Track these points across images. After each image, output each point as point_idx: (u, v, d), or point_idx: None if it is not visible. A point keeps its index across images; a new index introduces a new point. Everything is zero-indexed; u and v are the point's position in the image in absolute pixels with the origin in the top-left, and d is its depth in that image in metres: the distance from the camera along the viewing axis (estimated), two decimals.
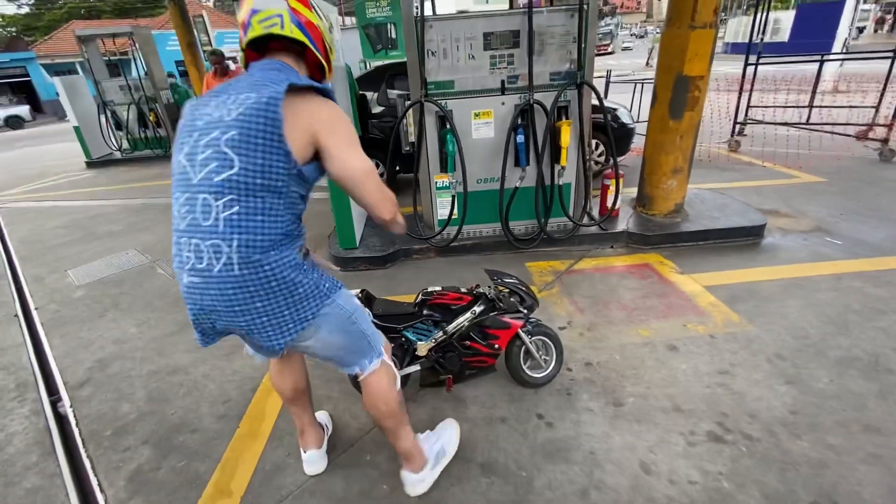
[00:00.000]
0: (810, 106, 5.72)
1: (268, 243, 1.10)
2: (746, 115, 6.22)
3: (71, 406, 2.18)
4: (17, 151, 11.94)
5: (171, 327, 2.80)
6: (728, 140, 6.06)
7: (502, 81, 3.01)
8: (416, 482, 1.61)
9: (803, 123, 5.79)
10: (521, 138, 3.01)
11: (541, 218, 3.27)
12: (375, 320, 1.55)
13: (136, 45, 7.90)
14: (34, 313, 3.10)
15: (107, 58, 8.73)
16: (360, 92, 4.67)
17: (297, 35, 1.19)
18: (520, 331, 1.90)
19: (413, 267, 3.37)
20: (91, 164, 8.56)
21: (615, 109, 4.93)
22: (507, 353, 1.98)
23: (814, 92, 5.84)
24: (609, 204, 3.61)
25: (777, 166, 5.22)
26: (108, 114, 8.44)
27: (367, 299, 1.88)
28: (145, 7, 29.53)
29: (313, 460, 1.70)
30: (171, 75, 8.95)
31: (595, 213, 3.64)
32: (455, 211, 3.26)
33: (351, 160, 1.16)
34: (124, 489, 1.72)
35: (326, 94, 1.20)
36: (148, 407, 2.14)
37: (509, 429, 1.87)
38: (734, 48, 23.29)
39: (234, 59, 8.74)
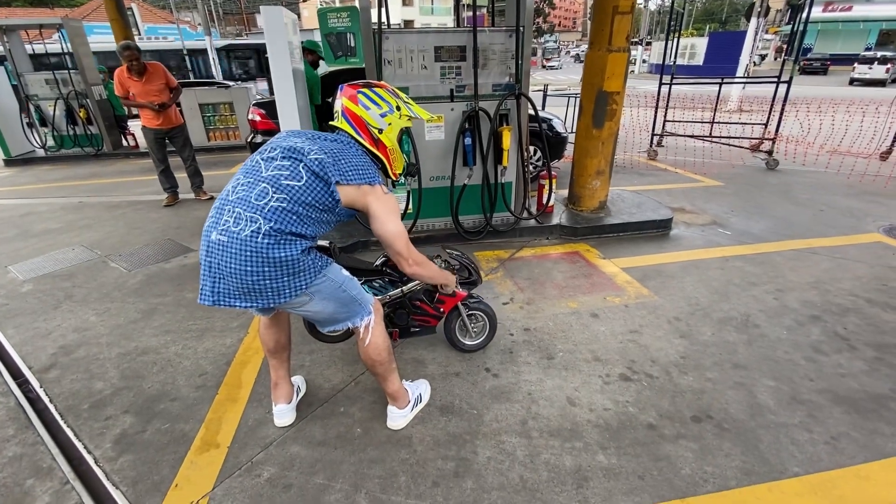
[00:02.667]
0: (712, 122, 6.66)
1: (290, 235, 1.41)
2: (664, 128, 7.10)
3: (41, 387, 2.23)
4: None
5: (135, 315, 2.87)
6: (647, 150, 6.89)
7: (451, 90, 3.39)
8: (398, 417, 1.91)
9: (707, 136, 6.74)
10: (468, 141, 3.40)
11: (486, 212, 3.67)
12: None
13: (66, 37, 7.50)
14: None
15: (32, 50, 8.18)
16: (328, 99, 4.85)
17: (346, 128, 1.60)
18: (459, 305, 2.25)
19: (370, 256, 3.62)
20: (10, 163, 7.94)
21: (550, 119, 5.51)
22: (446, 318, 2.32)
23: (715, 110, 6.81)
24: (544, 201, 4.10)
25: (686, 172, 6.06)
26: (32, 109, 7.90)
27: (333, 252, 2.11)
28: None
29: (283, 413, 1.94)
30: (102, 71, 8.54)
31: (533, 209, 4.11)
32: (410, 206, 3.57)
33: (388, 225, 1.56)
34: (111, 449, 1.86)
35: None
36: (123, 383, 2.25)
37: (462, 380, 2.22)
38: (656, 69, 25.64)
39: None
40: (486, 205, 3.69)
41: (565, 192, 4.46)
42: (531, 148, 5.37)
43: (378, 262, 2.19)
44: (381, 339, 1.74)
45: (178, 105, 5.10)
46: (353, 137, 1.62)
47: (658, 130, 7.00)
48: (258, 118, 5.23)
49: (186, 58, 16.06)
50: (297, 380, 2.15)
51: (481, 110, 3.40)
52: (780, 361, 2.32)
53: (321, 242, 1.96)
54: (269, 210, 1.39)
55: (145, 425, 1.98)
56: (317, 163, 1.45)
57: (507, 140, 3.43)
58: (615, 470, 1.72)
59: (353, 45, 5.53)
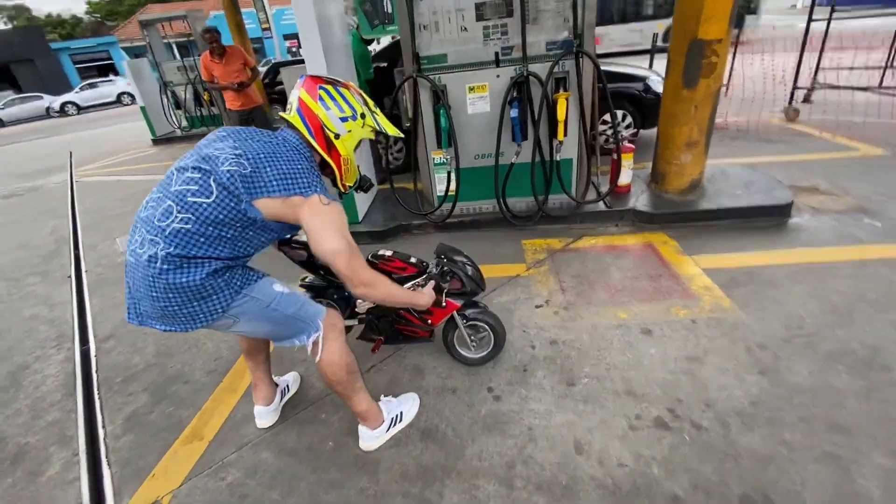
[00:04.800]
0: (886, 67, 4.96)
1: (194, 259, 1.25)
2: (814, 78, 5.53)
3: (95, 356, 2.53)
4: (103, 129, 13.28)
5: None
6: (784, 108, 5.46)
7: (496, 53, 2.92)
8: (370, 438, 1.74)
9: (877, 87, 5.06)
10: (514, 112, 2.93)
11: (538, 195, 3.20)
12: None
13: (192, 27, 8.41)
14: (84, 275, 3.56)
15: (167, 41, 9.41)
16: (380, 65, 4.67)
17: (298, 124, 1.39)
18: (455, 315, 1.93)
19: (412, 242, 3.46)
20: (156, 142, 9.38)
21: (645, 78, 4.60)
22: (444, 328, 2.03)
23: (892, 51, 5.05)
24: (620, 180, 3.45)
25: (837, 137, 4.66)
26: (169, 94, 9.14)
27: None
28: None
29: (260, 414, 1.88)
30: None
31: (606, 188, 3.49)
32: (451, 187, 3.27)
33: (323, 243, 1.32)
34: (120, 427, 2.01)
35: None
36: (154, 360, 2.43)
37: (457, 399, 1.94)
38: None
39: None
40: (537, 186, 3.21)
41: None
42: (619, 112, 4.61)
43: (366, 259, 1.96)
44: (338, 357, 1.55)
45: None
46: (301, 137, 1.40)
47: (805, 82, 5.47)
48: None
49: None
50: (290, 377, 2.09)
51: (531, 75, 2.88)
52: None
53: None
54: (170, 233, 1.24)
55: (154, 406, 2.10)
56: (227, 175, 1.25)
57: (563, 109, 2.88)
58: None
59: (390, 11, 5.17)
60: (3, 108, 20.20)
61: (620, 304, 2.44)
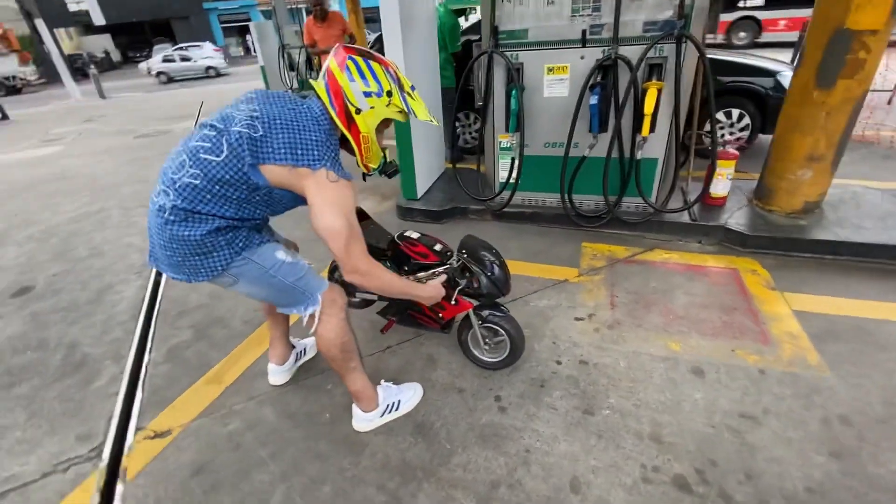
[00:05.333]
0: None
1: (199, 214, 1.27)
2: None
3: (164, 285, 2.82)
4: (229, 85, 14.79)
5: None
6: None
7: (583, 31, 2.61)
8: (362, 420, 1.72)
9: None
10: (594, 99, 2.62)
11: (608, 194, 2.87)
12: None
13: None
14: None
15: (290, 6, 10.06)
16: (472, 39, 4.50)
17: (322, 93, 1.34)
18: (471, 314, 1.79)
19: (465, 226, 3.33)
20: None
21: (777, 73, 3.87)
22: (461, 325, 1.91)
23: None
24: (713, 190, 2.98)
25: None
26: (285, 56, 9.82)
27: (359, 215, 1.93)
28: None
29: (273, 372, 1.95)
30: None
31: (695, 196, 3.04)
32: (513, 174, 3.06)
33: (321, 219, 1.28)
34: (162, 356, 2.22)
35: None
36: (206, 301, 2.64)
37: (461, 400, 1.83)
38: None
39: None
40: (608, 185, 2.88)
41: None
42: (735, 112, 3.99)
43: (391, 239, 1.90)
44: (333, 334, 1.52)
45: None
46: (325, 108, 1.35)
47: None
48: None
49: None
50: (309, 342, 2.13)
51: (620, 58, 2.54)
52: None
53: None
54: (179, 186, 1.26)
55: (193, 343, 2.29)
56: (237, 136, 1.24)
57: (652, 101, 2.50)
58: None
59: None
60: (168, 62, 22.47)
61: (676, 334, 2.12)
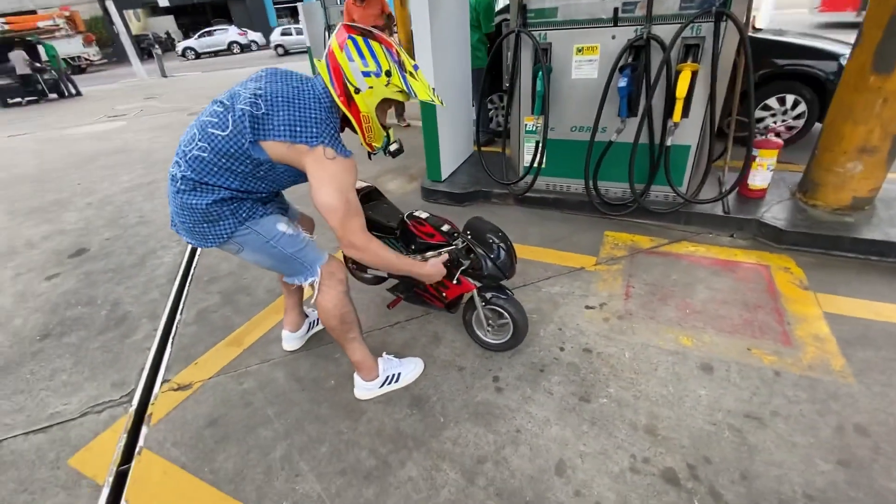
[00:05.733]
0: None
1: (205, 185, 1.37)
2: None
3: (199, 254, 3.03)
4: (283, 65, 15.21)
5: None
6: None
7: (615, 9, 2.49)
8: (362, 388, 1.81)
9: None
10: (623, 82, 2.52)
11: (634, 182, 2.77)
12: None
13: None
14: None
15: None
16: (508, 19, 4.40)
17: (323, 72, 1.36)
18: (475, 295, 1.81)
19: (488, 210, 3.32)
20: None
21: (839, 56, 3.53)
22: (465, 305, 1.94)
23: None
24: (751, 182, 2.81)
25: None
26: (327, 35, 9.98)
27: (365, 197, 1.99)
28: None
29: (286, 338, 2.06)
30: None
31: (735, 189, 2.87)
32: (536, 159, 3.01)
33: (319, 194, 1.33)
34: (192, 318, 2.40)
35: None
36: (236, 269, 2.81)
37: (460, 378, 1.87)
38: None
39: None
40: (638, 172, 2.77)
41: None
42: (789, 97, 3.70)
43: (400, 219, 1.94)
44: (331, 305, 1.59)
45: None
46: (326, 86, 1.39)
47: None
48: None
49: None
50: None
51: (653, 38, 2.41)
52: None
53: (361, 184, 1.96)
54: (189, 157, 1.36)
55: (220, 308, 2.46)
56: (240, 113, 1.31)
57: (685, 84, 2.38)
58: None
59: None
60: (197, 39, 23.54)
61: (690, 329, 2.05)
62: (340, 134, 1.41)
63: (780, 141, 2.69)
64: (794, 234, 2.52)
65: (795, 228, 2.54)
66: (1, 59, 12.28)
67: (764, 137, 2.69)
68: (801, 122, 3.78)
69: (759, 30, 4.27)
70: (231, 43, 22.59)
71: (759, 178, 2.78)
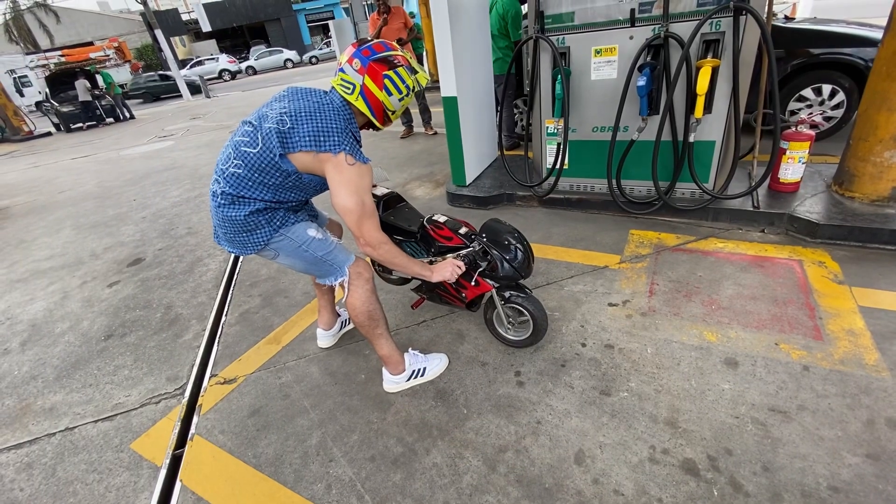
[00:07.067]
0: None
1: (242, 198, 1.53)
2: None
3: (242, 261, 3.25)
4: (323, 79, 15.85)
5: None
6: None
7: (632, 10, 2.53)
8: (390, 382, 1.92)
9: None
10: (642, 81, 2.54)
11: (658, 180, 2.77)
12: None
13: None
14: None
15: (365, 2, 10.55)
16: None
17: (362, 107, 1.53)
18: (494, 294, 1.88)
19: (512, 213, 3.39)
20: None
21: (878, 42, 3.38)
22: (486, 304, 2.01)
23: None
24: (782, 176, 2.75)
25: None
26: None
27: (387, 203, 2.13)
28: None
29: (320, 336, 2.21)
30: (411, 15, 10.21)
31: (766, 183, 2.82)
32: (559, 160, 3.05)
33: (337, 198, 1.47)
34: (235, 319, 2.59)
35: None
36: (274, 274, 3.01)
37: (483, 372, 1.95)
38: None
39: None
40: (662, 169, 2.77)
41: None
42: (826, 87, 3.59)
43: (420, 223, 2.04)
44: (359, 303, 1.71)
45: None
46: (344, 99, 1.53)
47: None
48: None
49: None
50: None
51: (671, 36, 2.43)
52: None
53: (381, 191, 2.14)
54: (227, 175, 1.52)
55: (260, 309, 2.64)
56: (267, 131, 1.46)
57: (705, 80, 2.37)
58: None
59: None
60: (257, 60, 25.62)
61: (715, 325, 2.04)
62: (360, 135, 1.59)
63: (811, 133, 2.62)
64: (829, 228, 2.45)
65: (830, 221, 2.46)
66: (63, 88, 13.44)
67: (794, 129, 2.63)
68: (840, 112, 3.63)
69: (792, 19, 4.14)
70: (222, 71, 25.37)
71: (791, 171, 2.71)
